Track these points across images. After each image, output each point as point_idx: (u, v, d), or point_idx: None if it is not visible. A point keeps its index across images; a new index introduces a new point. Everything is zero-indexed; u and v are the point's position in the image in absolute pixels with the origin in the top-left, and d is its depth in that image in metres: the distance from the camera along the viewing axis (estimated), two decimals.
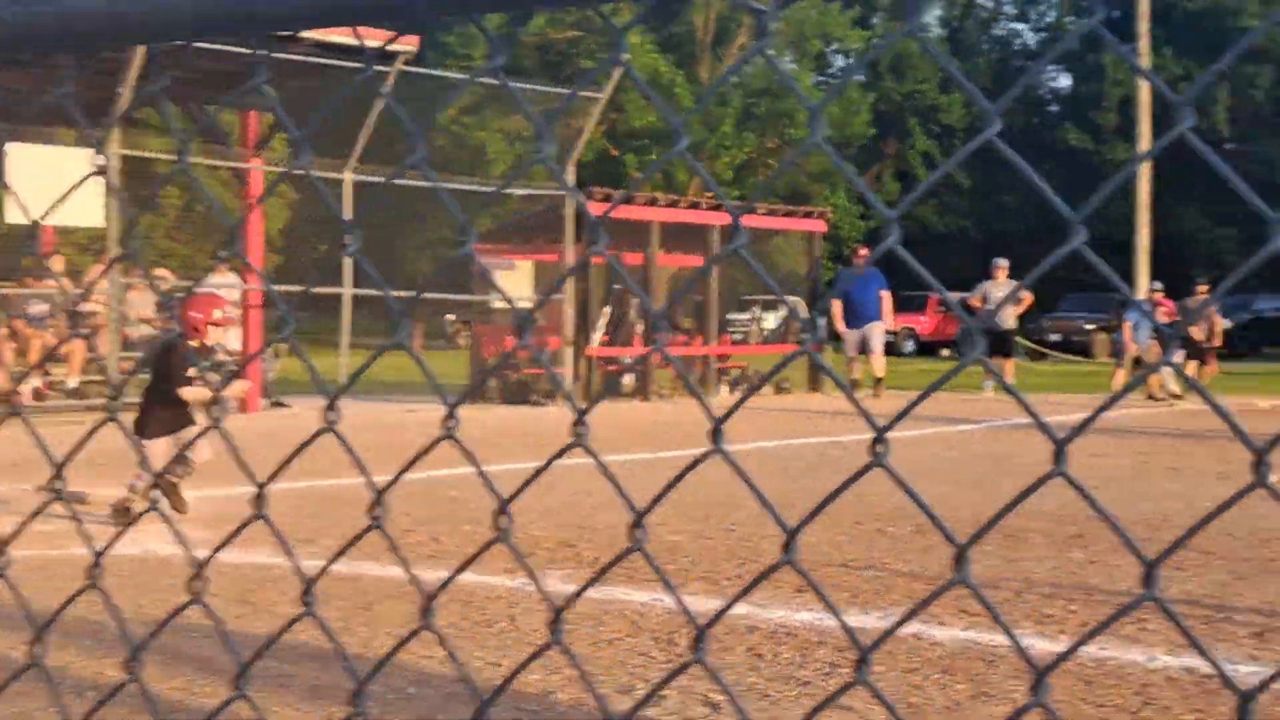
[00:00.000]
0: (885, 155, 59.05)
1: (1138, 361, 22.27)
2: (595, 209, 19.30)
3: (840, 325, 21.44)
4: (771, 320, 28.23)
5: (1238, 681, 3.85)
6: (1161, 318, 21.49)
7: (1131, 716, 4.48)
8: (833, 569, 7.03)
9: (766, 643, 5.43)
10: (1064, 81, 65.66)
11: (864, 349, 21.48)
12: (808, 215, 24.20)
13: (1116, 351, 22.31)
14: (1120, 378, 21.88)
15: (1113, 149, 57.74)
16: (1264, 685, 1.34)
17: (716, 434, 1.58)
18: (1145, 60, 39.75)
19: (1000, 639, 5.46)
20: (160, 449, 8.45)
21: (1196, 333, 24.86)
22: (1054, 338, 41.22)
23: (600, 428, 12.75)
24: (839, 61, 61.98)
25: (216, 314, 9.09)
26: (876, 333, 21.50)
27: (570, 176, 19.40)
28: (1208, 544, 7.84)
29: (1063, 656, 1.35)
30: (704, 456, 1.54)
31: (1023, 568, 7.12)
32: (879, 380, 21.00)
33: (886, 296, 21.74)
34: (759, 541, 7.77)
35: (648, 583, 6.66)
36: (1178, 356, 21.36)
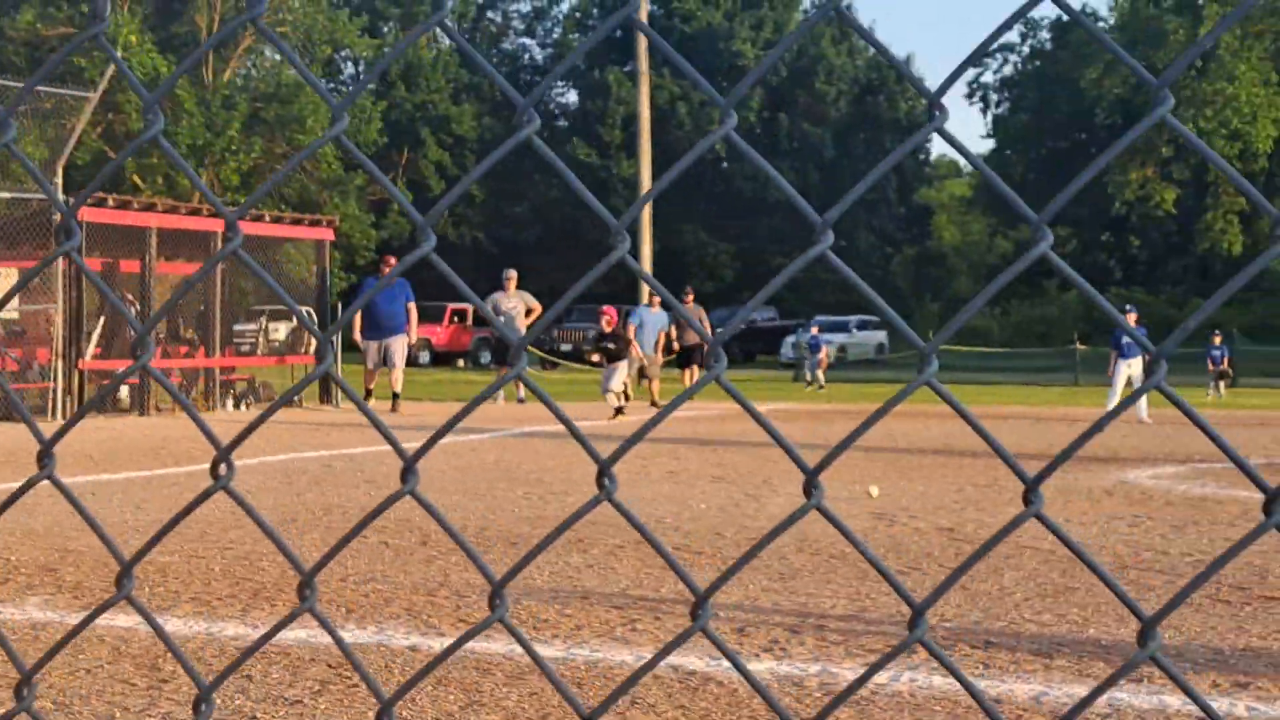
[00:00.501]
0: (397, 164, 59.06)
1: (642, 371, 23.00)
2: (88, 214, 18.36)
3: (357, 336, 20.96)
4: (282, 331, 27.68)
5: (718, 675, 3.94)
6: (605, 326, 21.80)
7: (618, 717, 4.56)
8: (333, 584, 6.88)
9: (258, 663, 5.24)
10: (571, 97, 67.48)
11: (385, 361, 20.95)
12: (315, 223, 23.83)
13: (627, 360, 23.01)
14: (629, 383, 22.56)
15: (618, 163, 59.82)
16: (604, 706, 1.34)
17: (45, 458, 1.44)
18: (645, 79, 41.34)
19: (497, 648, 5.47)
20: None
21: (691, 338, 25.93)
22: (565, 348, 42.28)
23: (95, 444, 12.06)
24: (349, 69, 61.51)
25: None
26: (400, 346, 21.08)
27: (59, 179, 18.36)
28: (698, 544, 8.16)
29: (442, 652, 1.30)
30: (34, 481, 1.40)
31: (523, 574, 7.17)
32: (396, 395, 20.73)
33: (413, 309, 21.24)
34: (258, 559, 7.53)
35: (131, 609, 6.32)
36: (649, 365, 22.28)
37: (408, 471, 1.39)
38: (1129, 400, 1.35)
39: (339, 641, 1.47)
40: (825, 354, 32.44)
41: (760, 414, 1.38)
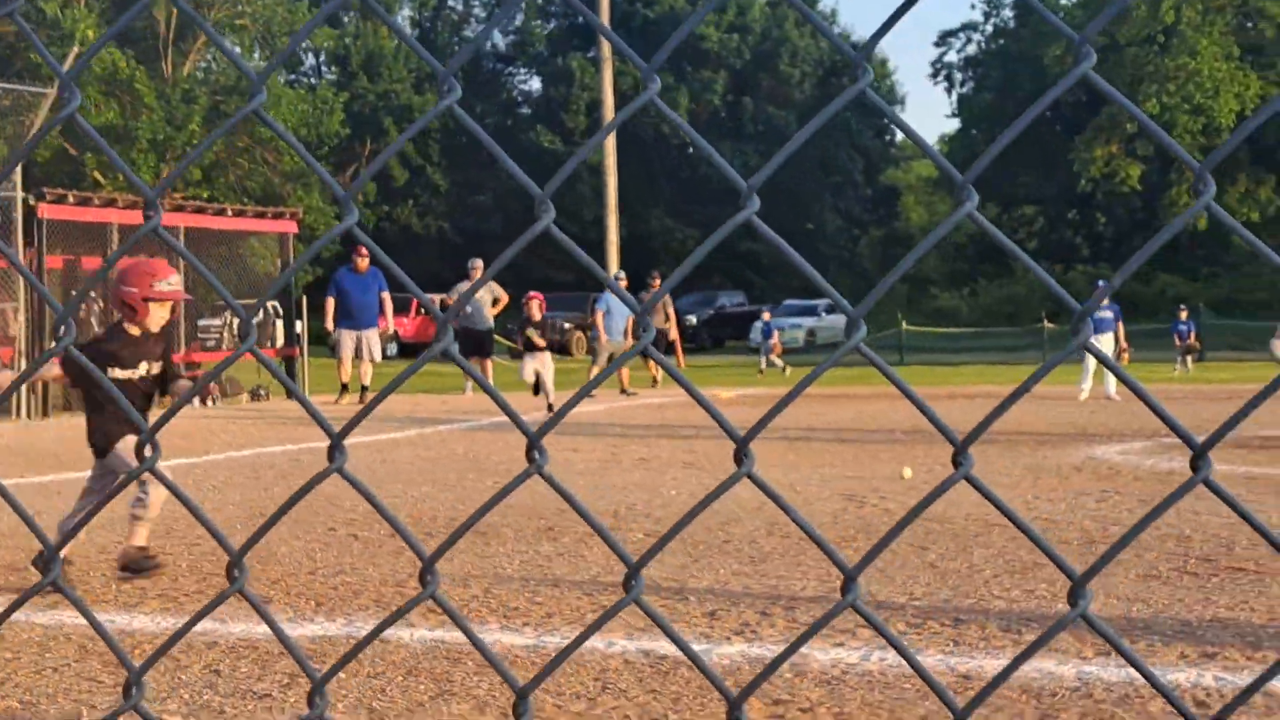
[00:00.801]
0: (360, 155, 58.80)
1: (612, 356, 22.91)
2: (49, 210, 18.24)
3: (330, 325, 20.62)
4: None
5: (689, 660, 3.87)
6: (534, 313, 19.99)
7: (590, 703, 4.54)
8: (301, 577, 6.85)
9: (226, 658, 5.21)
10: (535, 85, 67.33)
11: (359, 353, 20.62)
12: (278, 216, 23.69)
13: (593, 350, 22.86)
14: (595, 374, 22.52)
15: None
16: (535, 682, 1.32)
17: None
18: (608, 64, 41.28)
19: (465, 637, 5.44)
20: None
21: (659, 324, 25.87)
22: None
23: (61, 442, 11.96)
24: (309, 60, 61.25)
25: (160, 285, 6.66)
26: (377, 339, 20.83)
27: (18, 175, 18.22)
28: (668, 528, 8.15)
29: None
30: None
31: (493, 563, 7.16)
32: (365, 388, 20.51)
33: (387, 298, 20.92)
34: (225, 555, 7.48)
35: (100, 604, 6.28)
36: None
37: (334, 449, 1.37)
38: (1051, 363, 1.34)
39: (271, 623, 1.45)
40: (777, 339, 32.58)
41: (692, 385, 1.37)
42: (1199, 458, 1.22)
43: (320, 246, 1.32)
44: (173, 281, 6.74)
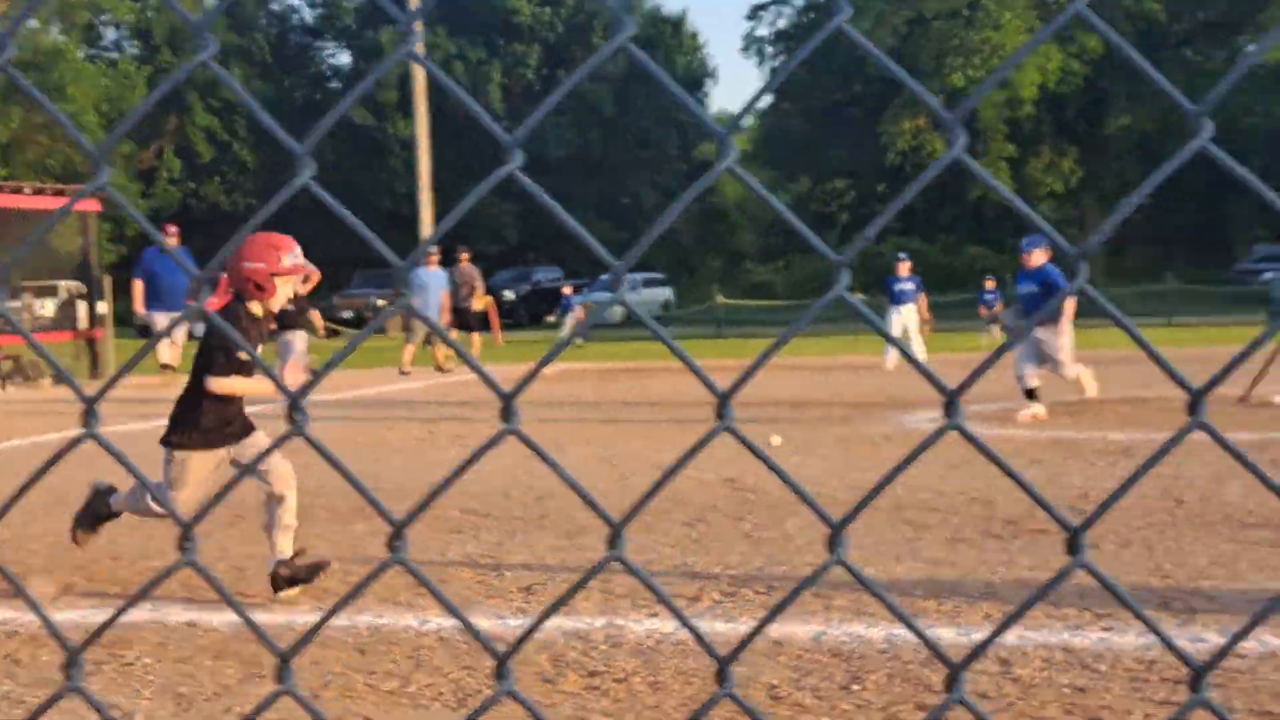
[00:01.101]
0: (166, 131, 57.35)
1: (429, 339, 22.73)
2: None
3: (141, 308, 19.89)
4: (49, 307, 26.59)
5: (506, 635, 3.90)
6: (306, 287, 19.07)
7: (403, 680, 4.51)
8: (105, 563, 6.68)
9: (26, 647, 5.06)
10: (344, 59, 66.32)
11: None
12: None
13: (408, 327, 22.67)
14: (409, 352, 22.33)
15: (394, 124, 58.97)
16: (297, 649, 1.30)
17: None
18: (419, 37, 40.83)
19: (281, 618, 5.37)
20: (203, 469, 5.99)
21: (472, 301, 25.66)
22: (346, 315, 41.66)
23: None
24: (110, 34, 59.54)
25: (287, 259, 6.04)
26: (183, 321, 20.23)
27: None
28: (485, 506, 8.11)
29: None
30: None
31: (306, 544, 7.05)
32: (167, 366, 19.95)
33: None
34: (28, 541, 7.27)
35: None
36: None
37: (87, 414, 1.33)
38: (808, 314, 1.36)
39: (27, 598, 1.39)
40: (580, 313, 32.98)
41: (456, 342, 1.36)
42: (950, 404, 1.24)
43: (72, 204, 1.27)
44: (297, 254, 6.14)
